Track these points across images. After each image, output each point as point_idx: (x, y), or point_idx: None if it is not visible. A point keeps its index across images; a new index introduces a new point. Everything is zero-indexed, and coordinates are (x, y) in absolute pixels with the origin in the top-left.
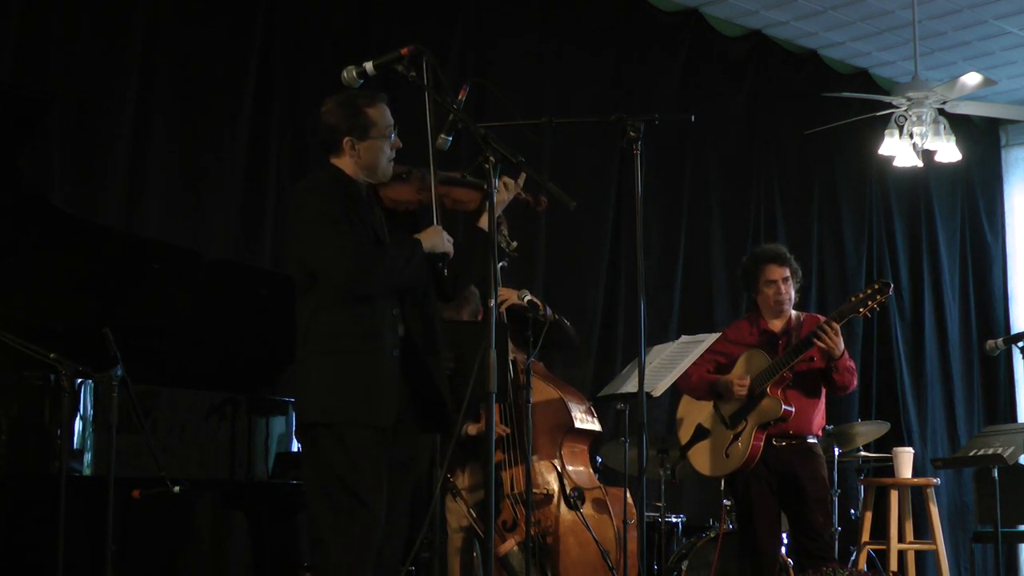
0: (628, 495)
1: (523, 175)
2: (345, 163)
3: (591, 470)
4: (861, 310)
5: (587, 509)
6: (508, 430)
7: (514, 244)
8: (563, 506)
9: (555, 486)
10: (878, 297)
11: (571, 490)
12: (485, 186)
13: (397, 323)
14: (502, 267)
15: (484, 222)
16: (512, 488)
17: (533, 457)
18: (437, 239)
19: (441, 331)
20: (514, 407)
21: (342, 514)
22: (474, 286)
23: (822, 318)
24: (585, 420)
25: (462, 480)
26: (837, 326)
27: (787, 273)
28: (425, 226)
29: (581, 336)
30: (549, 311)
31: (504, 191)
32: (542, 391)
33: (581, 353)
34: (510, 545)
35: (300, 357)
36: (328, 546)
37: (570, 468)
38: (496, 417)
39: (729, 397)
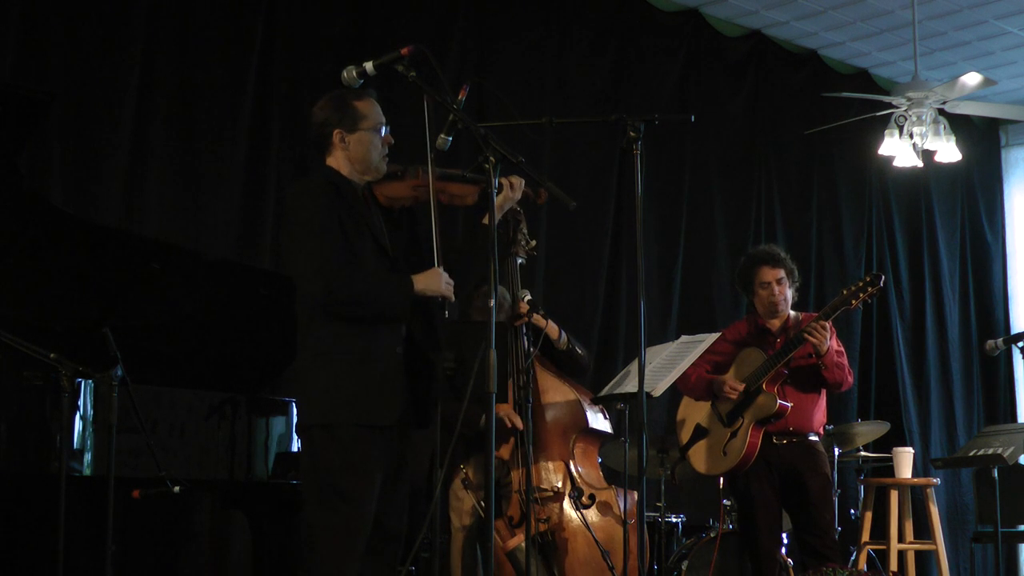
0: (635, 495)
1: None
2: (338, 160)
3: (599, 471)
4: (853, 302)
5: (596, 509)
6: (521, 425)
7: (533, 243)
8: (572, 505)
9: (565, 485)
10: (869, 289)
11: (573, 489)
12: (484, 184)
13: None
14: (520, 264)
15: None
16: (521, 485)
17: (543, 455)
18: (433, 282)
19: (441, 330)
20: (527, 407)
21: (330, 513)
22: (504, 289)
23: None
24: (597, 420)
25: (473, 474)
26: (827, 323)
27: (781, 274)
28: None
29: (583, 337)
30: (564, 337)
31: (510, 190)
32: (559, 391)
33: None
34: (518, 540)
35: (298, 360)
36: (314, 545)
37: (581, 468)
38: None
39: (723, 397)
